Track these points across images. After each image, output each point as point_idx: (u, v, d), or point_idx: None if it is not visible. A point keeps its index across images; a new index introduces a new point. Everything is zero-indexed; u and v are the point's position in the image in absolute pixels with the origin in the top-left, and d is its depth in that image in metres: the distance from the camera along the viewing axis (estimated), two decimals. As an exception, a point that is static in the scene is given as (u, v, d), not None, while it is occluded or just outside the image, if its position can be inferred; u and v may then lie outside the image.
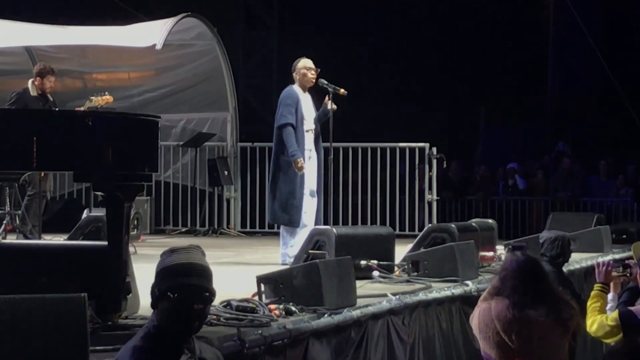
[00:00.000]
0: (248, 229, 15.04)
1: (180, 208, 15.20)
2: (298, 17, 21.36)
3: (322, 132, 10.37)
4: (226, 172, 14.87)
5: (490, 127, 22.82)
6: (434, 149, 14.11)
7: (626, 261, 7.73)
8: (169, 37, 13.11)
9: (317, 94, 10.44)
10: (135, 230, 12.34)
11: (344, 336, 6.50)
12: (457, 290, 8.06)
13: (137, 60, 15.04)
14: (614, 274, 7.35)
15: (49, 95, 11.57)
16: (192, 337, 4.00)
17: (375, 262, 8.29)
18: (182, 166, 15.28)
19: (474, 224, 9.98)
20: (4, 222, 11.08)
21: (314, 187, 10.16)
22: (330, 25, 21.12)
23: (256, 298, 6.43)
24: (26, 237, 10.97)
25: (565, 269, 9.27)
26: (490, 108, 22.40)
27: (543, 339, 4.59)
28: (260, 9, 21.68)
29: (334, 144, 10.65)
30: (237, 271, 9.28)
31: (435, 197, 14.04)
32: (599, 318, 6.95)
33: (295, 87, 10.25)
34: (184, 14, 13.79)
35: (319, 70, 10.29)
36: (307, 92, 10.32)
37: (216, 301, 6.05)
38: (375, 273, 8.22)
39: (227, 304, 6.04)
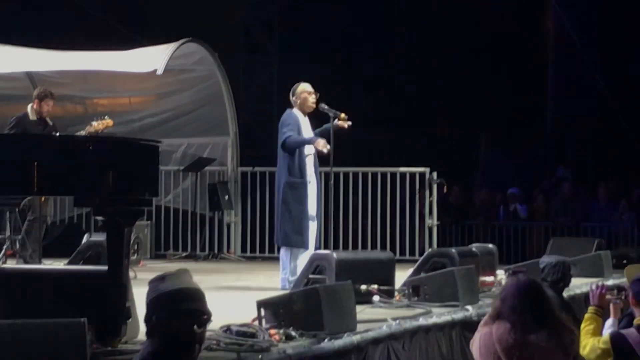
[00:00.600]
0: (248, 254, 15.02)
1: (181, 233, 15.20)
2: (298, 42, 21.40)
3: (323, 158, 10.36)
4: (226, 197, 14.87)
5: (491, 152, 22.83)
6: (435, 174, 14.12)
7: (620, 284, 7.74)
8: (169, 62, 13.14)
9: (315, 119, 10.43)
10: (136, 255, 12.33)
11: (344, 361, 6.49)
12: (458, 315, 8.05)
13: (138, 85, 15.07)
14: (608, 297, 7.37)
15: (47, 119, 11.56)
16: None
17: (376, 286, 8.28)
18: (183, 191, 15.28)
19: (474, 249, 9.97)
20: (5, 246, 11.07)
21: (314, 212, 10.16)
22: (331, 51, 21.18)
23: (256, 323, 6.43)
24: (26, 262, 10.96)
25: (565, 294, 9.26)
26: (490, 133, 22.42)
27: (544, 364, 4.59)
28: (261, 34, 21.74)
29: (335, 169, 10.65)
30: (237, 296, 9.27)
31: (435, 221, 14.04)
32: (592, 341, 6.95)
33: (295, 111, 10.21)
34: (184, 39, 13.82)
35: (319, 94, 10.28)
36: (306, 117, 10.30)
37: (216, 326, 6.08)
38: (376, 298, 8.21)
39: (227, 329, 6.04)
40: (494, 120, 21.69)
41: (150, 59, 13.22)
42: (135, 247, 12.51)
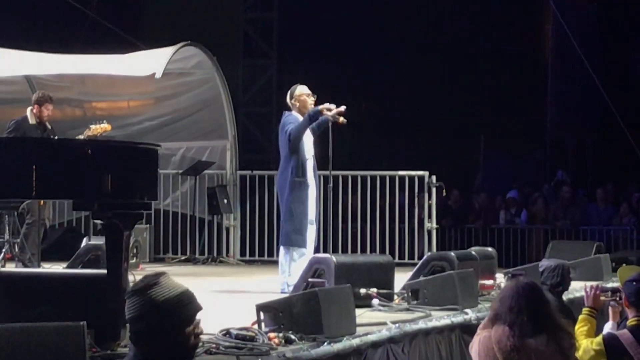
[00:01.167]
0: (247, 257, 15.02)
1: (180, 236, 15.20)
2: (297, 45, 21.42)
3: (322, 161, 10.36)
4: (225, 201, 14.86)
5: (490, 155, 22.83)
6: (434, 177, 14.11)
7: (617, 286, 7.72)
8: (168, 65, 13.14)
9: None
10: (135, 258, 12.34)
11: (343, 364, 6.49)
12: (457, 318, 8.05)
13: (136, 88, 15.07)
14: (602, 298, 7.36)
15: (47, 124, 11.57)
16: None
17: (375, 290, 8.28)
18: (182, 194, 15.28)
19: (473, 253, 9.97)
20: (3, 250, 11.06)
21: (313, 217, 10.16)
22: (329, 54, 21.17)
23: (255, 326, 6.42)
24: (25, 266, 10.95)
25: (565, 297, 9.26)
26: (489, 136, 22.42)
27: (543, 368, 4.58)
28: (260, 38, 21.76)
29: (334, 172, 10.65)
30: (236, 299, 9.27)
31: (434, 225, 14.03)
32: (585, 342, 6.93)
33: (294, 114, 10.20)
34: (183, 43, 13.82)
35: (316, 97, 10.27)
36: (304, 119, 10.28)
37: (215, 329, 6.07)
38: (375, 301, 8.21)
39: (227, 333, 6.03)
40: (493, 124, 21.68)
41: (149, 62, 13.22)
42: (134, 250, 12.52)
